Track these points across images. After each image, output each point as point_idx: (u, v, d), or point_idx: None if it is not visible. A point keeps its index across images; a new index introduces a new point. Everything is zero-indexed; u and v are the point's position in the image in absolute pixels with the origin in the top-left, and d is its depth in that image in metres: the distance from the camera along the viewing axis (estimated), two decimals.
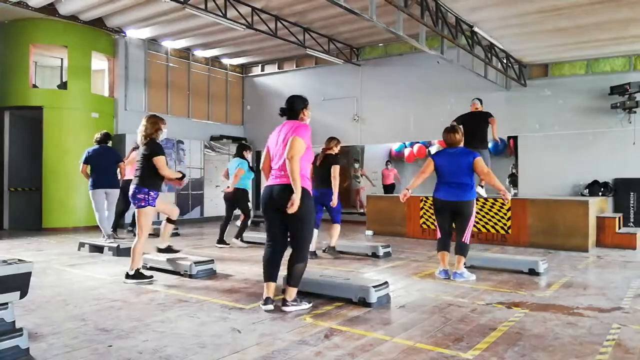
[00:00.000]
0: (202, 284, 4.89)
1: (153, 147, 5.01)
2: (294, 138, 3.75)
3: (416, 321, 3.62)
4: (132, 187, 5.01)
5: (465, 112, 8.07)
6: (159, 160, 4.95)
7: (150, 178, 4.98)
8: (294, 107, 3.97)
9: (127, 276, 4.93)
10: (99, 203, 7.33)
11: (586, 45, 9.03)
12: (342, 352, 2.96)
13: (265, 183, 4.09)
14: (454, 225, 5.22)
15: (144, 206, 4.94)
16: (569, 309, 4.00)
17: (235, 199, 7.61)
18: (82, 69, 10.66)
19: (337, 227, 6.57)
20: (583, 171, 9.81)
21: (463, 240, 5.07)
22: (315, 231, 6.35)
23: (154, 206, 5.03)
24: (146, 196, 4.93)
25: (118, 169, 7.62)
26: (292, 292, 3.90)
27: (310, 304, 3.97)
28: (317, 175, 6.39)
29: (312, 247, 6.36)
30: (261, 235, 8.05)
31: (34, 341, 3.08)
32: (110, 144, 7.71)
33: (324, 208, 6.54)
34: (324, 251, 6.70)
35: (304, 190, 3.78)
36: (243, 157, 7.71)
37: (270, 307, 3.86)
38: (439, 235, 5.30)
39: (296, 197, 3.70)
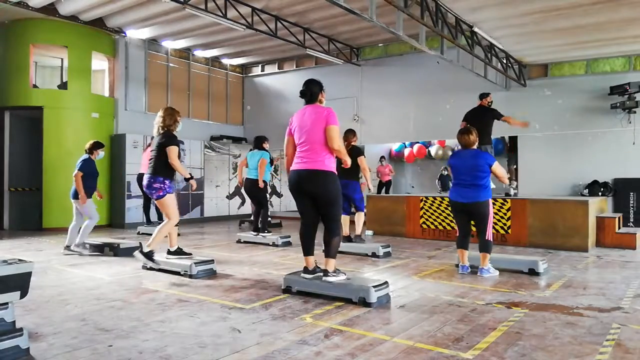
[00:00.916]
0: (202, 284, 4.89)
1: (169, 137, 5.19)
2: (331, 128, 4.05)
3: (416, 321, 3.62)
4: (146, 177, 5.19)
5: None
6: (172, 150, 5.13)
7: (166, 167, 5.18)
8: (314, 91, 4.28)
9: (140, 251, 5.17)
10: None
11: (586, 45, 9.04)
12: (342, 352, 2.97)
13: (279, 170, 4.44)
14: (472, 224, 5.40)
15: (162, 195, 5.14)
16: (569, 308, 4.00)
17: (255, 190, 7.66)
18: (82, 69, 10.66)
19: (361, 215, 6.94)
20: (583, 171, 9.82)
21: (486, 238, 5.20)
22: (346, 217, 6.86)
23: (172, 193, 5.23)
24: (162, 185, 5.13)
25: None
26: (330, 264, 4.23)
27: (346, 275, 4.32)
28: (340, 167, 6.47)
29: (345, 232, 6.82)
30: (260, 235, 8.05)
31: (34, 341, 3.09)
32: (99, 153, 6.99)
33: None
34: (351, 240, 6.95)
35: (332, 173, 4.10)
36: (263, 149, 7.74)
37: (308, 275, 4.29)
38: (457, 233, 5.55)
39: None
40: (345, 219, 6.79)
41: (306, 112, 4.20)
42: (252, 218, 8.24)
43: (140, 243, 6.96)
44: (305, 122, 4.15)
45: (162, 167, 5.20)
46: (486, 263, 5.29)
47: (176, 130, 5.34)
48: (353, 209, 7.07)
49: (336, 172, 4.20)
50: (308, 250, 4.34)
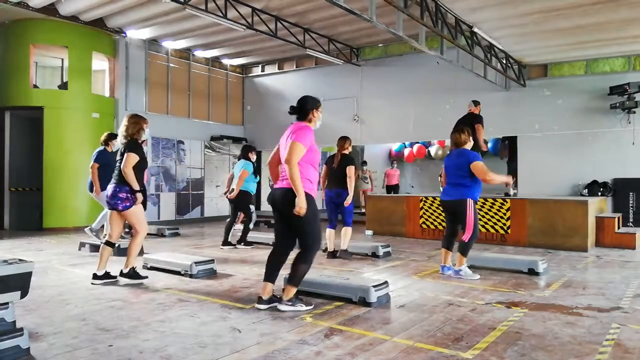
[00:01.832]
0: (202, 284, 4.90)
1: (131, 145, 4.83)
2: (293, 143, 3.72)
3: (416, 321, 3.62)
4: (110, 187, 4.81)
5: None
6: (129, 156, 4.73)
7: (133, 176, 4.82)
8: (304, 107, 3.93)
9: (121, 274, 4.88)
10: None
11: (586, 45, 9.05)
12: (342, 351, 2.97)
13: (265, 184, 4.16)
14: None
15: (129, 206, 4.77)
16: (568, 308, 4.00)
17: (237, 201, 7.55)
18: (82, 69, 10.67)
19: (348, 230, 6.51)
20: (582, 171, 9.82)
21: (463, 238, 5.17)
22: (332, 231, 6.52)
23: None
24: (129, 195, 4.76)
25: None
26: (289, 292, 3.88)
27: (309, 307, 3.91)
28: (333, 175, 6.44)
29: (330, 247, 6.52)
30: (262, 235, 8.06)
31: (35, 341, 3.09)
32: (114, 144, 7.01)
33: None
34: (337, 256, 6.50)
35: (305, 194, 3.72)
36: (248, 159, 7.63)
37: (262, 306, 3.90)
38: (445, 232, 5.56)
39: (299, 201, 3.66)
40: (330, 234, 6.50)
41: (288, 130, 3.93)
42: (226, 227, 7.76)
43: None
44: (282, 140, 3.94)
45: None
46: (460, 264, 5.24)
47: (142, 139, 4.95)
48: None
49: (313, 193, 3.85)
50: (268, 276, 3.93)
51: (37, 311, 3.85)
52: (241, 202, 7.59)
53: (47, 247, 7.70)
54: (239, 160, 7.80)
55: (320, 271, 5.09)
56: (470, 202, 5.13)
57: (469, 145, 5.31)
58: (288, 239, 3.98)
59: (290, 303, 3.86)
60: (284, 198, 3.79)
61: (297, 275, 3.86)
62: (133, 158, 4.75)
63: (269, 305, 3.91)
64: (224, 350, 2.98)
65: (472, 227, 5.11)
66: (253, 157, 7.74)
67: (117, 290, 4.63)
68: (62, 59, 11.19)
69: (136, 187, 4.79)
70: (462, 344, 3.11)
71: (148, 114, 11.64)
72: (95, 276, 4.91)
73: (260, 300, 3.93)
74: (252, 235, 8.07)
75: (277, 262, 3.98)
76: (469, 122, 7.35)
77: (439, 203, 8.67)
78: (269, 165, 4.14)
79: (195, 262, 5.24)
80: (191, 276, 5.15)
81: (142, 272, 5.12)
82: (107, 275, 4.94)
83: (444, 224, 8.64)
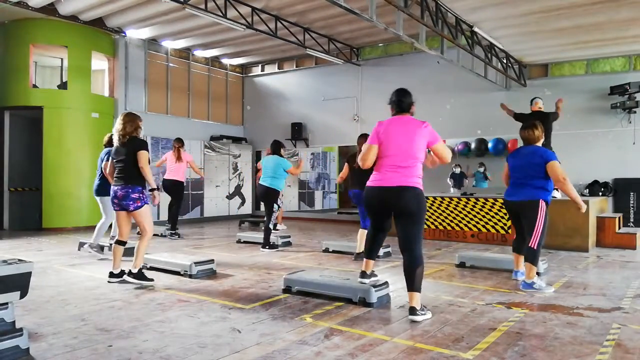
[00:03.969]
0: (202, 284, 4.89)
1: (139, 143, 4.83)
2: (443, 144, 3.83)
3: (416, 321, 3.61)
4: (119, 189, 4.75)
5: (526, 113, 7.76)
6: (143, 155, 4.75)
7: (140, 176, 4.80)
8: (407, 102, 3.91)
9: (130, 274, 4.77)
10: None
11: (586, 45, 9.05)
12: (342, 352, 2.96)
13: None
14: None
15: (141, 206, 4.76)
16: (569, 309, 4.00)
17: (267, 198, 7.30)
18: (82, 69, 10.65)
19: (362, 233, 6.11)
20: (583, 171, 9.81)
21: (530, 245, 4.59)
22: (364, 231, 6.06)
23: (149, 203, 4.84)
24: (141, 195, 4.75)
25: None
26: (418, 299, 3.67)
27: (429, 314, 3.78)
28: (354, 174, 6.08)
29: (360, 248, 6.16)
30: (259, 235, 8.01)
31: (34, 341, 3.08)
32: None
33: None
34: (354, 259, 6.36)
35: (420, 190, 3.73)
36: (280, 155, 7.36)
37: (366, 280, 4.19)
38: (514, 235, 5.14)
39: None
40: (362, 233, 6.13)
41: (402, 124, 3.80)
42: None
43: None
44: (401, 134, 3.76)
45: (137, 176, 4.78)
46: (531, 275, 4.62)
47: (139, 137, 4.94)
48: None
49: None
50: (371, 254, 4.17)
51: (36, 311, 3.85)
52: (270, 199, 7.30)
53: (47, 247, 7.70)
54: (268, 155, 7.46)
55: (320, 271, 5.09)
56: (542, 203, 4.60)
57: (541, 142, 4.88)
58: (389, 224, 4.06)
59: (422, 312, 3.70)
60: (401, 194, 3.68)
61: (418, 280, 3.71)
62: (146, 156, 4.79)
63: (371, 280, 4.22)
64: (224, 351, 2.97)
65: (541, 232, 4.59)
66: (284, 153, 7.49)
67: (116, 290, 4.62)
68: (62, 59, 11.17)
69: (153, 185, 4.84)
70: (462, 345, 3.10)
71: (148, 113, 11.64)
72: (111, 274, 4.91)
73: (364, 274, 4.21)
74: (249, 235, 8.05)
75: (379, 241, 4.21)
76: (552, 120, 7.46)
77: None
78: (367, 163, 3.89)
79: (195, 262, 5.23)
80: (191, 276, 5.14)
81: (148, 275, 4.98)
82: (123, 274, 4.90)
83: (444, 224, 8.70)
